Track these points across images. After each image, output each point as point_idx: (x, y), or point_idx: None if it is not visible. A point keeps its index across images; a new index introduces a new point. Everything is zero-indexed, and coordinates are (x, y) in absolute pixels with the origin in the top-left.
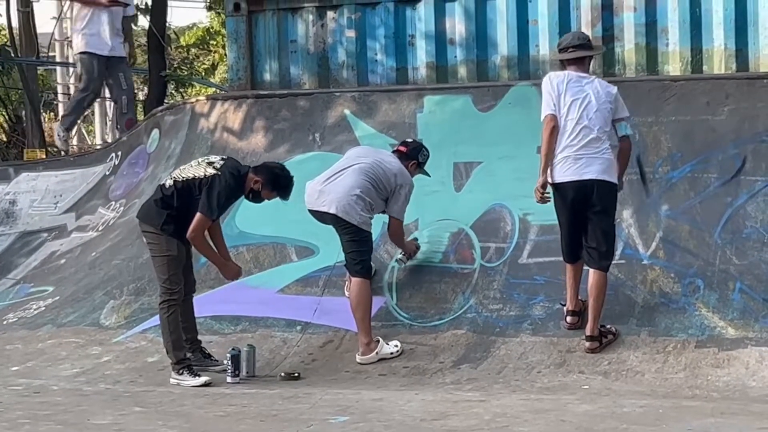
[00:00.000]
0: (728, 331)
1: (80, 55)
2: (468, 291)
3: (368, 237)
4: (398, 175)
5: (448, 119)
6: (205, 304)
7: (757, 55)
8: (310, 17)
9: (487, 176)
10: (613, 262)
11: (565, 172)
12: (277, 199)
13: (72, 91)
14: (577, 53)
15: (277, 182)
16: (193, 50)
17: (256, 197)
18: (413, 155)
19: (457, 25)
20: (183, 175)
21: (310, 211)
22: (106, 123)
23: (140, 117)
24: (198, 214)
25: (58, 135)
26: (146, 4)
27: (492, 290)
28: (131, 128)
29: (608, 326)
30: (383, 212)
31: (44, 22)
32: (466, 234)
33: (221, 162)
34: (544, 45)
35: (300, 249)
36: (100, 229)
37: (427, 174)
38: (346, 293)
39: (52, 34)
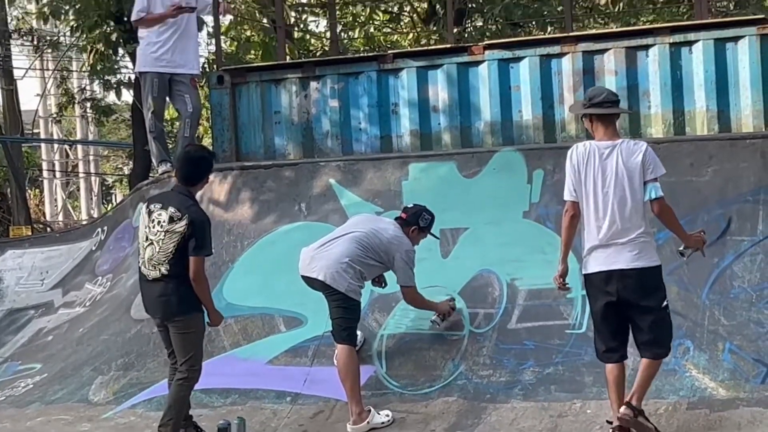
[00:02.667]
0: (719, 392)
1: (140, 75)
2: (458, 357)
3: (356, 305)
4: (392, 244)
5: (434, 186)
6: None
7: (738, 115)
8: (294, 88)
9: (474, 242)
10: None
11: (597, 262)
12: (266, 272)
13: (57, 167)
14: (601, 110)
15: (208, 163)
16: (177, 123)
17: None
18: (412, 221)
19: (440, 93)
20: (169, 250)
21: (302, 276)
22: (91, 198)
23: (125, 191)
24: (194, 259)
25: (162, 174)
26: (129, 78)
27: (482, 356)
28: None
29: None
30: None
31: (28, 100)
32: (455, 300)
33: (174, 209)
34: (527, 110)
35: (288, 319)
36: (87, 304)
37: (435, 236)
38: (336, 362)
39: (36, 111)
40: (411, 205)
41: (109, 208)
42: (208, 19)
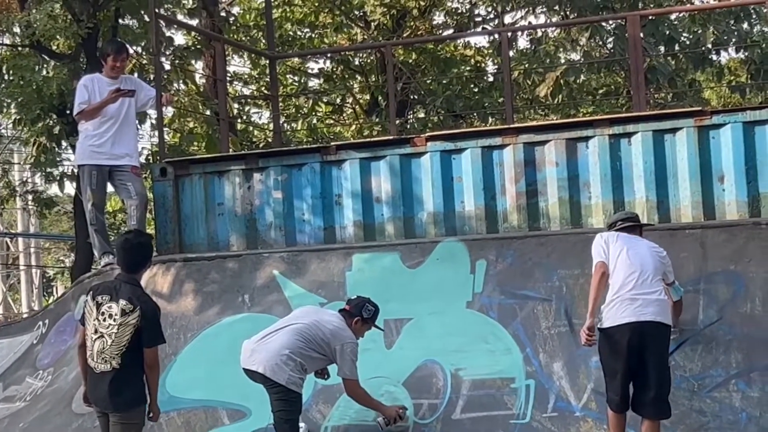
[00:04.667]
0: None
1: (79, 168)
2: None
3: (297, 397)
4: (334, 336)
5: (377, 277)
6: None
7: (677, 206)
8: (237, 179)
9: (418, 332)
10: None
11: (621, 314)
12: (210, 364)
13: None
14: (627, 224)
15: (149, 249)
16: (120, 215)
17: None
18: (356, 312)
19: (383, 184)
20: (123, 343)
21: (243, 369)
22: (32, 290)
23: (67, 283)
24: (152, 350)
25: (104, 266)
26: (72, 171)
27: None
28: None
29: None
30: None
31: None
32: (399, 391)
33: (125, 302)
34: (469, 201)
35: (232, 412)
36: (28, 399)
37: (379, 328)
38: None
39: None
40: (354, 297)
41: (50, 301)
42: (151, 112)
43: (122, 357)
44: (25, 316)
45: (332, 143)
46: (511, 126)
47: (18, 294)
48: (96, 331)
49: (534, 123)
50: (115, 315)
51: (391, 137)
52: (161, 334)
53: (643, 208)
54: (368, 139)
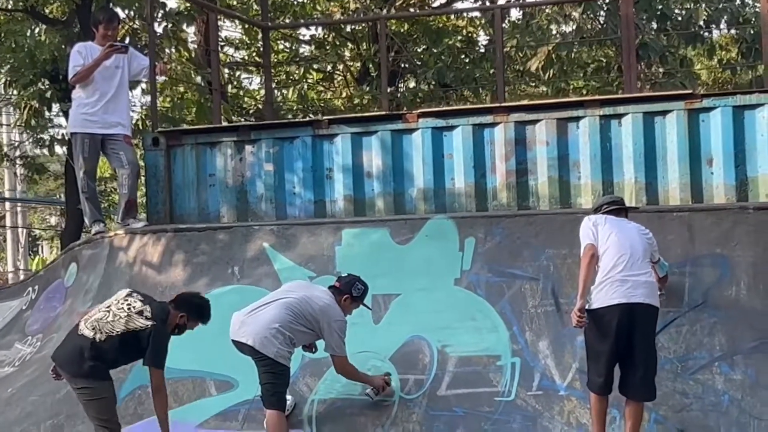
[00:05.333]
0: None
1: (72, 135)
2: (388, 423)
3: (285, 370)
4: (323, 312)
5: (366, 252)
6: None
7: (666, 188)
8: (229, 151)
9: (405, 308)
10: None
11: (611, 295)
12: (197, 330)
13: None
14: (613, 207)
15: (201, 313)
16: (110, 184)
17: (180, 331)
18: (345, 290)
19: (374, 159)
20: (117, 329)
21: (232, 340)
22: (18, 250)
23: (54, 245)
24: (155, 371)
25: (95, 234)
26: (62, 135)
27: (411, 422)
28: (131, 210)
29: None
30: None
31: None
32: (386, 366)
33: (149, 310)
34: (459, 178)
35: (219, 383)
36: (17, 364)
37: (367, 307)
38: (265, 427)
39: None
40: (345, 275)
41: (36, 261)
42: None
43: (107, 337)
44: (10, 275)
45: (324, 117)
46: (503, 104)
47: (3, 253)
48: (108, 307)
49: (525, 102)
50: (133, 309)
51: (383, 113)
52: (161, 359)
53: (631, 190)
54: (360, 114)
